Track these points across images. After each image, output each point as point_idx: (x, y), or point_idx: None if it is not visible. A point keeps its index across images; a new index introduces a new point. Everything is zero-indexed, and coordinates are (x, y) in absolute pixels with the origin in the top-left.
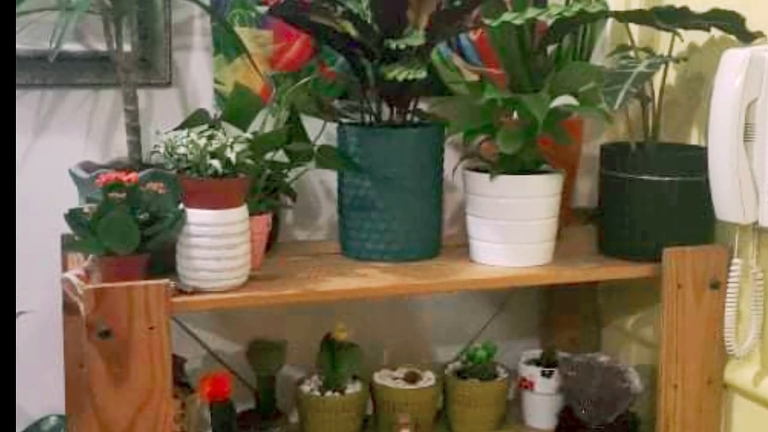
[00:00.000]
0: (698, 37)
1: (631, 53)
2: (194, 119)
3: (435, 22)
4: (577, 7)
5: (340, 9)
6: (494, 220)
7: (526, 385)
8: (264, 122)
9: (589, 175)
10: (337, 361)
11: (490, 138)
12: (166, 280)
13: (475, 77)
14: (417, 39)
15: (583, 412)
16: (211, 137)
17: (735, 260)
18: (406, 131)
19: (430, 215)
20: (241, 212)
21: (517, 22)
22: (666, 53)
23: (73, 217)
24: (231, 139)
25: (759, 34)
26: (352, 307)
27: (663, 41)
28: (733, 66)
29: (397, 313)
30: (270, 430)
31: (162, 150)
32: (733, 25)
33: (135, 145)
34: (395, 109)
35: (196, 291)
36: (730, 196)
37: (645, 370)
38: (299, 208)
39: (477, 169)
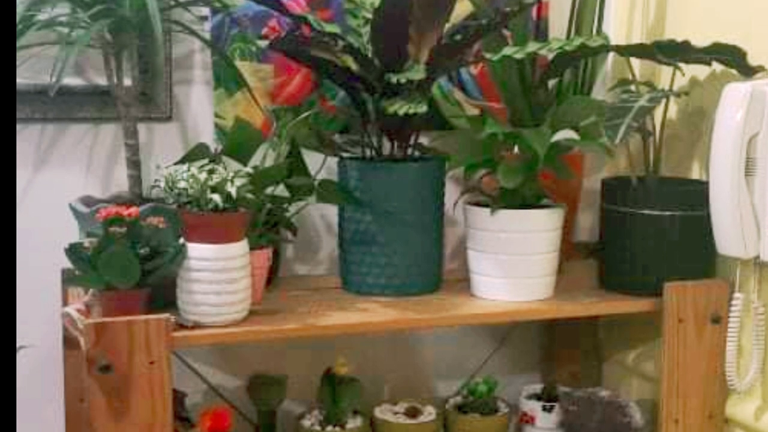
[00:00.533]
0: (699, 71)
1: (633, 87)
2: (195, 153)
3: (436, 56)
4: (578, 41)
5: (340, 43)
6: (495, 255)
7: (527, 419)
8: (264, 156)
9: (590, 210)
10: (337, 396)
11: (491, 172)
12: (166, 315)
13: (476, 111)
14: (418, 73)
15: None
16: (211, 171)
17: (736, 295)
18: (407, 165)
19: (430, 249)
20: (241, 246)
21: (518, 56)
22: (667, 87)
23: (73, 251)
24: (231, 174)
25: (760, 69)
26: (353, 342)
27: (664, 75)
28: (735, 100)
29: (397, 348)
30: None
31: (162, 184)
32: (734, 59)
33: (135, 180)
34: (396, 144)
35: (196, 325)
36: (732, 231)
37: (646, 404)
38: (300, 242)
39: (478, 204)
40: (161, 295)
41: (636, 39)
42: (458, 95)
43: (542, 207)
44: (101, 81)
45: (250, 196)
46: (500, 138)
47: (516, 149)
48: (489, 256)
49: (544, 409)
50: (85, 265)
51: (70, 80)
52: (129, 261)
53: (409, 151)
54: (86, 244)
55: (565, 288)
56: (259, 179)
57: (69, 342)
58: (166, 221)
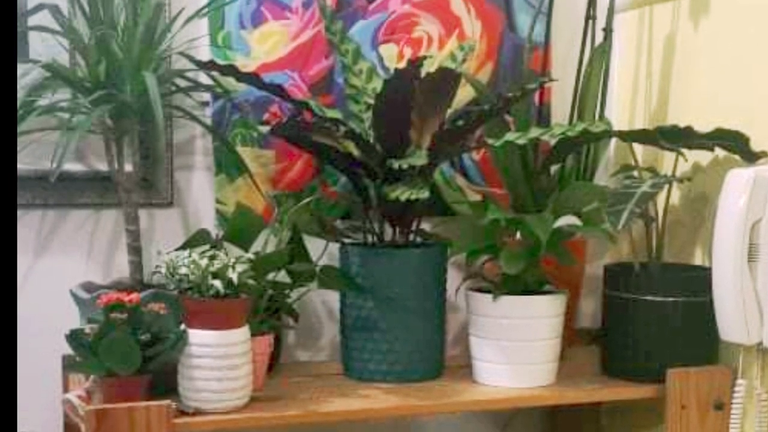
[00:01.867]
0: (702, 156)
1: (635, 173)
2: (196, 239)
3: (438, 142)
4: (580, 127)
5: (342, 129)
6: (497, 341)
7: None
8: (266, 242)
9: (592, 296)
10: None
11: (493, 258)
12: (167, 401)
13: (478, 197)
14: (420, 159)
15: None
16: (212, 257)
17: (739, 381)
18: (409, 251)
19: (432, 336)
20: (243, 333)
21: (521, 141)
22: (670, 173)
23: (74, 337)
24: (233, 260)
25: (763, 154)
26: (355, 428)
27: (667, 161)
28: (737, 186)
29: None
30: None
31: (163, 270)
32: (737, 144)
33: (136, 266)
34: (398, 229)
35: (197, 412)
36: (734, 317)
37: None
38: (301, 328)
39: (480, 290)
40: (162, 381)
41: (638, 124)
42: (460, 181)
43: (545, 293)
44: (102, 167)
45: (251, 282)
46: (502, 224)
47: (518, 235)
48: (491, 342)
49: None
50: (85, 351)
51: (71, 166)
52: (130, 347)
53: (411, 237)
54: (87, 330)
55: (568, 374)
56: (260, 265)
57: (70, 429)
58: (167, 307)
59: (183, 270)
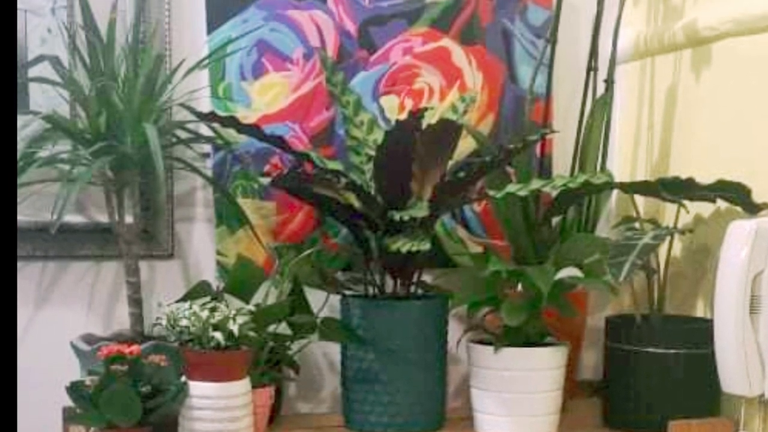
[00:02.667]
0: (704, 208)
1: (637, 225)
2: (196, 291)
3: (439, 194)
4: (582, 179)
5: (343, 180)
6: (498, 393)
7: None
8: (267, 294)
9: (594, 348)
10: None
11: (494, 310)
12: None
13: (479, 249)
14: (421, 210)
15: None
16: (213, 309)
17: None
18: (410, 303)
19: (434, 388)
20: (243, 385)
21: (522, 193)
22: (671, 225)
23: (74, 389)
24: (233, 312)
25: (765, 206)
26: None
27: (668, 212)
28: (739, 238)
29: None
30: None
31: (164, 322)
32: (739, 196)
33: (137, 317)
34: (399, 281)
35: None
36: (736, 369)
37: None
38: (302, 380)
39: (481, 342)
40: None
41: (640, 176)
42: (461, 232)
43: (546, 345)
44: (102, 218)
45: (252, 334)
46: (504, 276)
47: (519, 287)
48: (492, 394)
49: None
50: (86, 403)
51: (72, 217)
52: (130, 399)
53: (412, 288)
54: (87, 382)
55: (569, 426)
56: (261, 317)
57: None
58: (167, 359)
59: (184, 322)
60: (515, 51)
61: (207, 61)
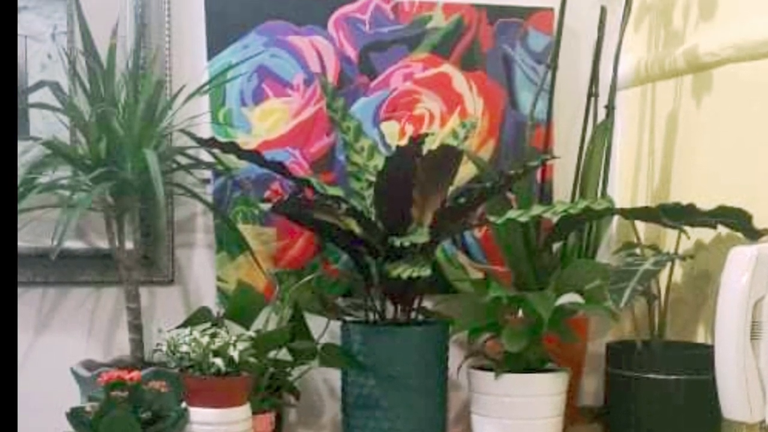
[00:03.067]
0: (705, 234)
1: (637, 250)
2: (197, 317)
3: (439, 220)
4: (582, 205)
5: (343, 206)
6: (499, 419)
7: None
8: (267, 320)
9: (594, 374)
10: None
11: (495, 336)
12: None
13: (479, 275)
14: (421, 236)
15: None
16: (213, 335)
17: None
18: (411, 329)
19: (434, 414)
20: (244, 411)
21: (523, 219)
22: (672, 251)
23: (74, 415)
24: (234, 338)
25: (766, 232)
26: None
27: (669, 238)
28: (740, 264)
29: None
30: None
31: (164, 348)
32: (740, 222)
33: (137, 343)
34: (399, 307)
35: None
36: (737, 395)
37: None
38: (303, 406)
39: (482, 368)
40: None
41: (641, 202)
42: (462, 258)
43: (547, 371)
44: (103, 244)
45: (252, 360)
46: (504, 302)
47: (520, 313)
48: (493, 420)
49: None
50: (86, 429)
51: (72, 243)
52: (131, 425)
53: (413, 314)
54: (88, 409)
55: None
56: (261, 343)
57: None
58: (168, 385)
59: (184, 348)
60: (516, 77)
61: (207, 87)
